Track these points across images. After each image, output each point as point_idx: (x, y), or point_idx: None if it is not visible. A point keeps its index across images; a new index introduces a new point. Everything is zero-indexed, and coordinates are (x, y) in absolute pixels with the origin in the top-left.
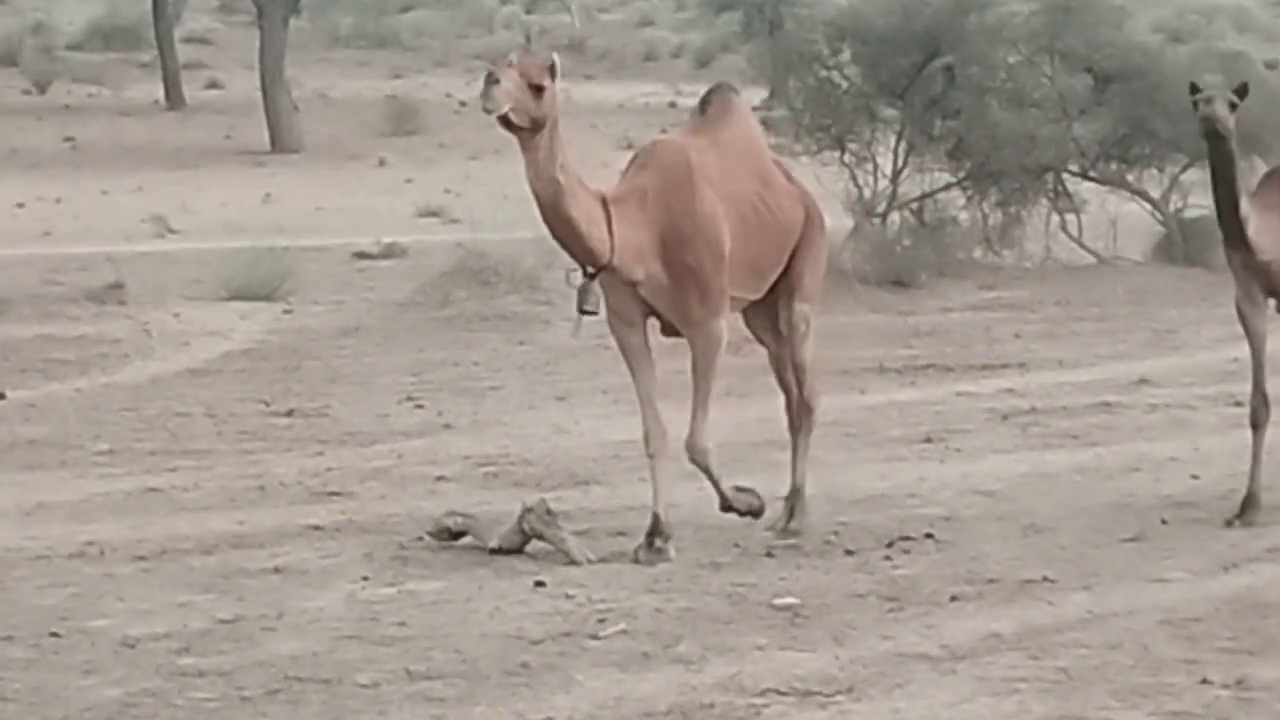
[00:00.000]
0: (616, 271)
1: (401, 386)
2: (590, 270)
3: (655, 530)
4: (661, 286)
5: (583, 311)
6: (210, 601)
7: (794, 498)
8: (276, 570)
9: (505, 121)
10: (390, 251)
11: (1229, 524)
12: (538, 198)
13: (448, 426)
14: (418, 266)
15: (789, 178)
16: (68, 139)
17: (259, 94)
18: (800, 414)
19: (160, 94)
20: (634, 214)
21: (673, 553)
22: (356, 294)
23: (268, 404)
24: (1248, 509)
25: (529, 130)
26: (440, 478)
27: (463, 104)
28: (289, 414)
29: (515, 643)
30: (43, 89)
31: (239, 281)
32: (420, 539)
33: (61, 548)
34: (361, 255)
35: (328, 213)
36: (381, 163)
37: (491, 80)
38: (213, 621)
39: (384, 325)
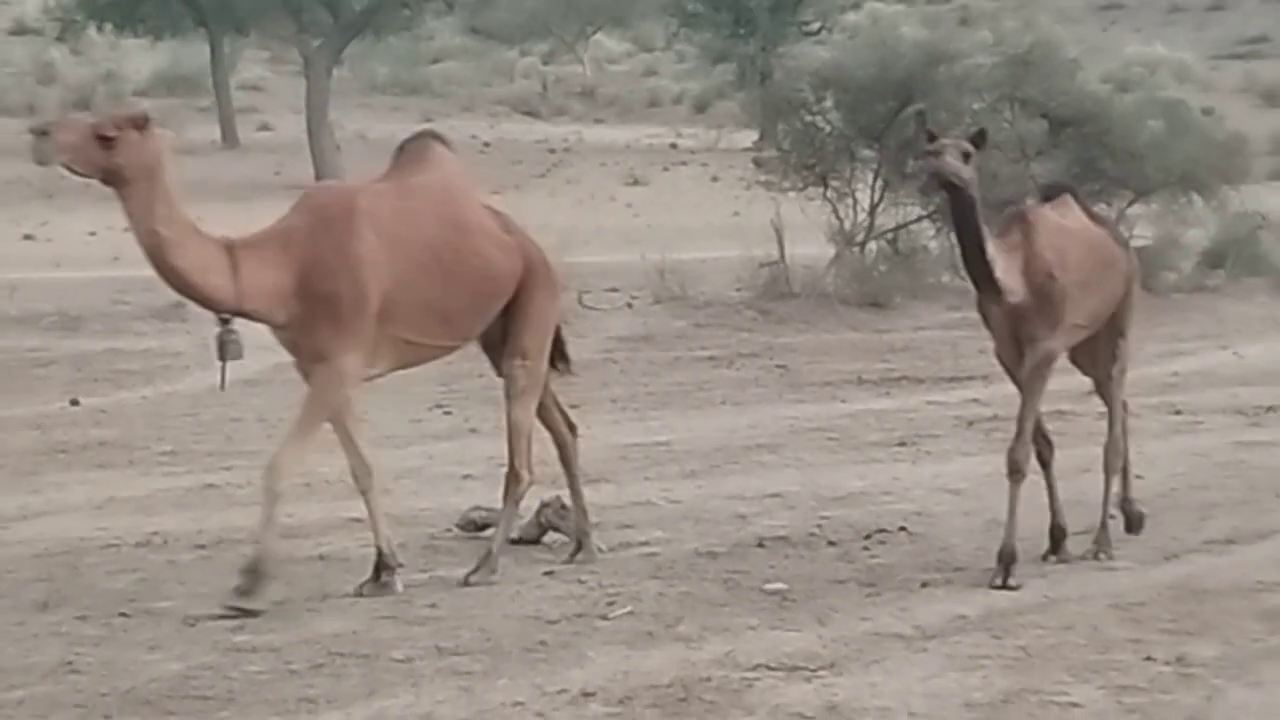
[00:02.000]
0: (252, 316)
1: (432, 396)
2: (224, 318)
3: (380, 565)
4: (303, 325)
5: (222, 358)
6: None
7: (484, 561)
8: (321, 558)
9: (73, 171)
10: None
11: (994, 586)
12: (142, 248)
13: (473, 431)
14: None
15: (506, 229)
16: None
17: (305, 135)
18: (506, 481)
19: (217, 135)
20: (272, 257)
21: (399, 586)
22: None
23: None
24: (1002, 561)
25: (118, 182)
26: (466, 476)
27: (486, 145)
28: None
29: (534, 623)
30: None
31: None
32: (449, 531)
33: (129, 537)
34: None
35: None
36: None
37: (38, 133)
38: (264, 603)
39: None
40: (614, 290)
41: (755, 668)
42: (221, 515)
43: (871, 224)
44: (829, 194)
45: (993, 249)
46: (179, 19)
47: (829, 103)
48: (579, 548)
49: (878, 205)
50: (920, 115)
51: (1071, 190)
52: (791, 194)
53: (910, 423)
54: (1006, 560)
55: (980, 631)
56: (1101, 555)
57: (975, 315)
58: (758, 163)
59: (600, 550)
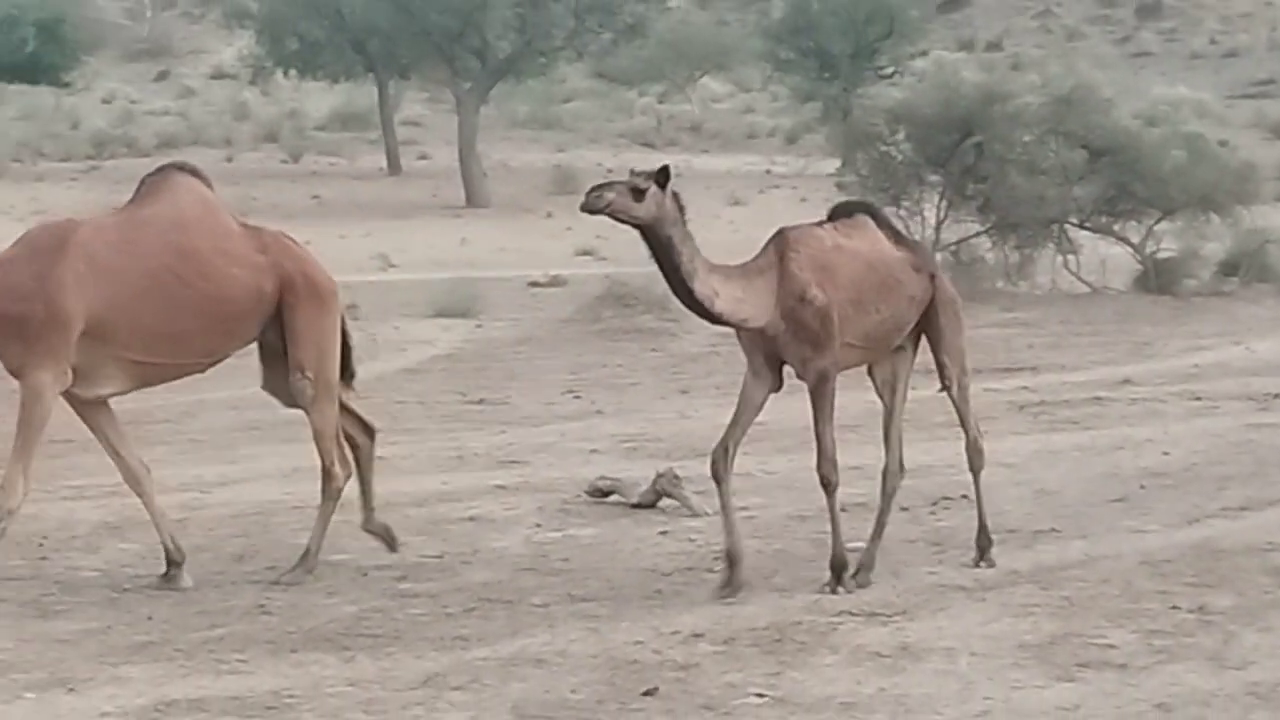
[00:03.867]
0: None
1: (563, 382)
2: None
3: (169, 560)
4: (2, 343)
5: None
6: (422, 542)
7: (301, 560)
8: (471, 519)
9: None
10: (555, 281)
11: (829, 590)
12: None
13: (599, 412)
14: (575, 293)
15: (262, 250)
16: (314, 197)
17: (457, 163)
18: (322, 480)
19: (384, 163)
20: None
21: (187, 580)
22: (529, 313)
23: (463, 395)
24: (833, 570)
25: None
26: (593, 450)
27: (609, 171)
28: (479, 402)
29: (651, 574)
30: (296, 159)
31: (442, 303)
32: (579, 496)
33: (311, 501)
34: (534, 284)
35: (508, 252)
36: (549, 215)
37: None
38: (423, 557)
39: (550, 336)
40: None
41: (839, 614)
42: (388, 482)
43: (937, 238)
44: (900, 212)
45: (705, 285)
46: (352, 65)
47: (900, 135)
48: (386, 539)
49: (942, 222)
50: (978, 146)
51: (870, 210)
52: None
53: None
54: (837, 569)
55: (1030, 584)
56: (983, 563)
57: (1024, 316)
58: (840, 186)
59: (706, 514)
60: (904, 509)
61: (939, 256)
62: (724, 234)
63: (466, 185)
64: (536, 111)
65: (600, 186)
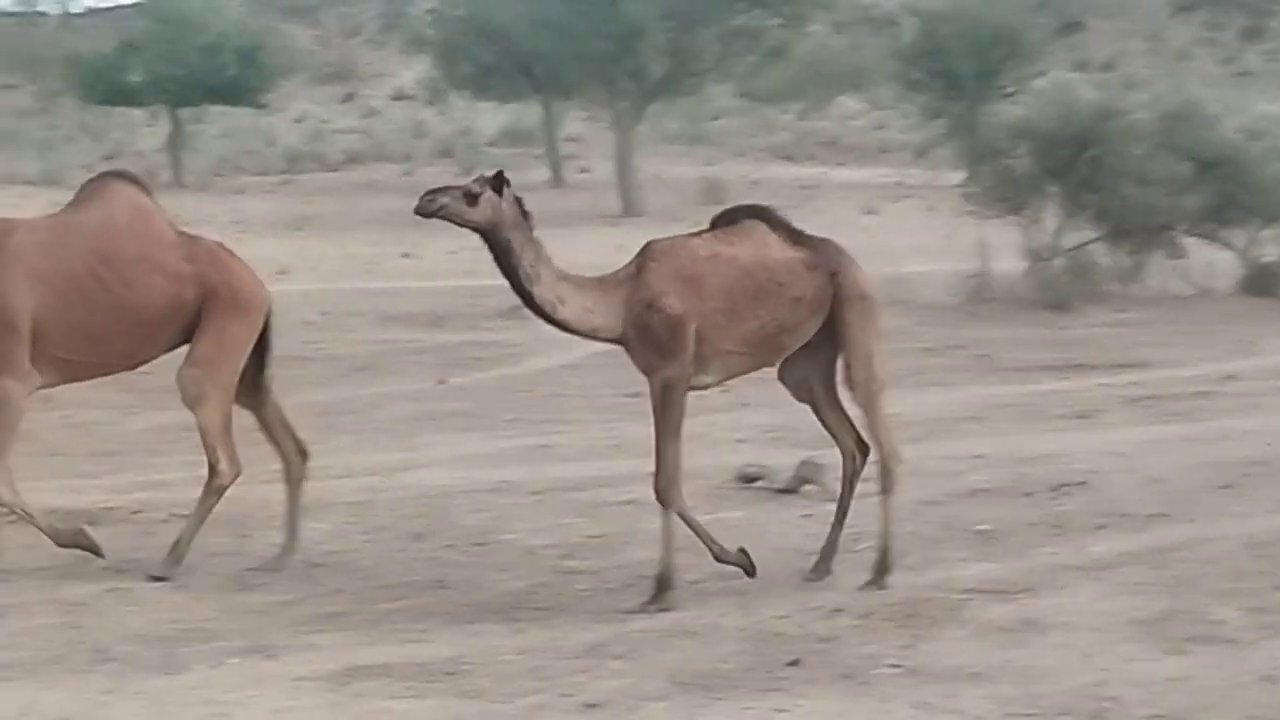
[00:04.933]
0: None
1: None
2: None
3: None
4: None
5: None
6: (584, 523)
7: (173, 550)
8: (629, 502)
9: None
10: None
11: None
12: None
13: (744, 405)
14: None
15: (190, 259)
16: None
17: (615, 176)
18: (208, 477)
19: (549, 176)
20: None
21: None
22: None
23: (620, 388)
24: (659, 586)
25: None
26: (740, 440)
27: (754, 182)
28: (635, 395)
29: (794, 554)
30: (468, 172)
31: None
32: (727, 482)
33: (483, 484)
34: None
35: None
36: (697, 223)
37: None
38: (585, 537)
39: None
40: None
41: (967, 591)
42: (552, 468)
43: (1056, 244)
44: (1022, 221)
45: (550, 288)
46: (520, 87)
47: (1021, 149)
48: (282, 552)
49: (1060, 229)
50: (1094, 159)
51: (759, 213)
52: (992, 221)
53: (1086, 399)
54: (662, 586)
55: (1142, 564)
56: (874, 586)
57: (1136, 316)
58: (966, 197)
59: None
60: (1026, 494)
61: (1056, 260)
62: (859, 240)
63: (623, 196)
64: (687, 128)
65: (434, 191)
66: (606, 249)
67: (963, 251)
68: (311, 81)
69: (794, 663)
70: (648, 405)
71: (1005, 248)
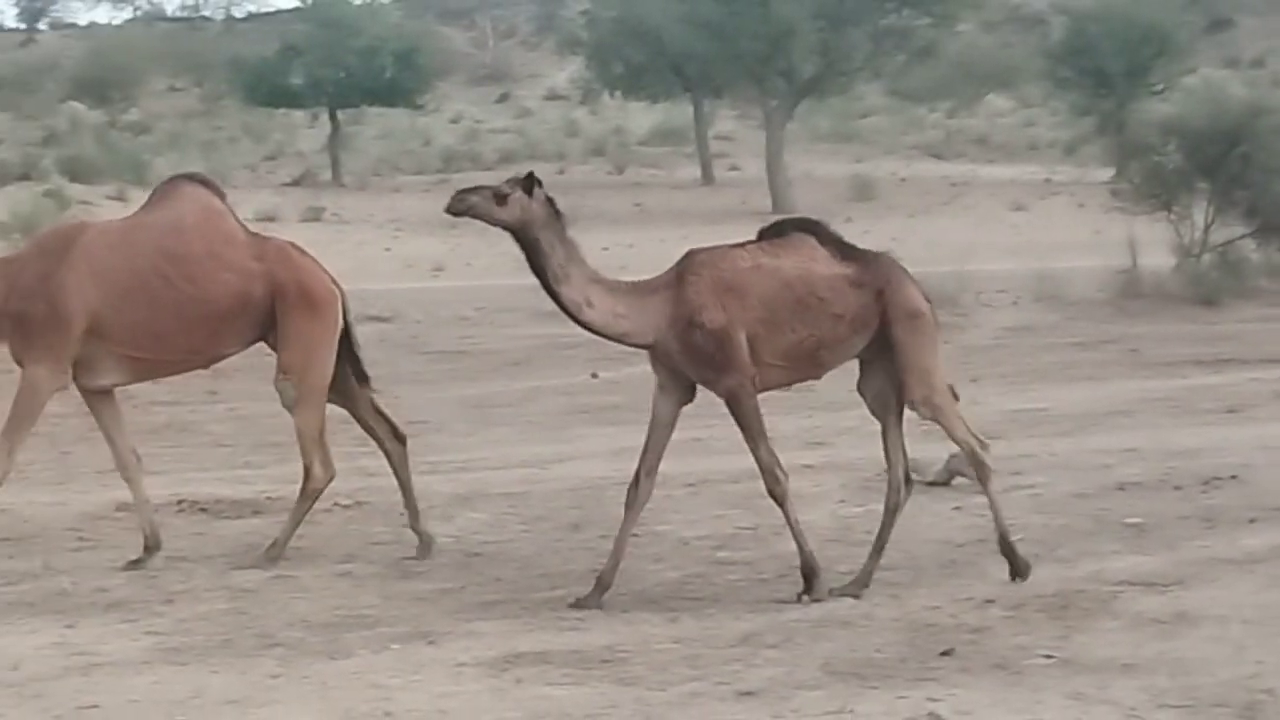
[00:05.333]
0: None
1: None
2: None
3: (145, 546)
4: (8, 337)
5: None
6: (737, 515)
7: (272, 547)
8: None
9: None
10: None
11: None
12: None
13: None
14: None
15: (259, 258)
16: (637, 205)
17: (765, 174)
18: (303, 478)
19: (698, 174)
20: None
21: (156, 563)
22: None
23: None
24: (808, 580)
25: None
26: None
27: (903, 180)
28: (786, 389)
29: (945, 546)
30: (620, 171)
31: None
32: (879, 475)
33: None
34: None
35: None
36: (848, 220)
37: None
38: (738, 528)
39: None
40: (1002, 291)
41: (1119, 583)
42: (705, 461)
43: (1205, 240)
44: (1171, 217)
45: (579, 290)
46: (671, 86)
47: (1171, 146)
48: (421, 544)
49: (1210, 225)
50: (1244, 156)
51: (809, 226)
52: (1141, 217)
53: (1235, 394)
54: (810, 575)
55: None
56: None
57: None
58: (1115, 193)
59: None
60: (1176, 488)
61: (1206, 256)
62: (1008, 236)
63: (773, 193)
64: (837, 126)
65: (465, 191)
66: None
67: (1112, 248)
68: (467, 83)
69: (947, 653)
70: (800, 400)
71: (1154, 244)
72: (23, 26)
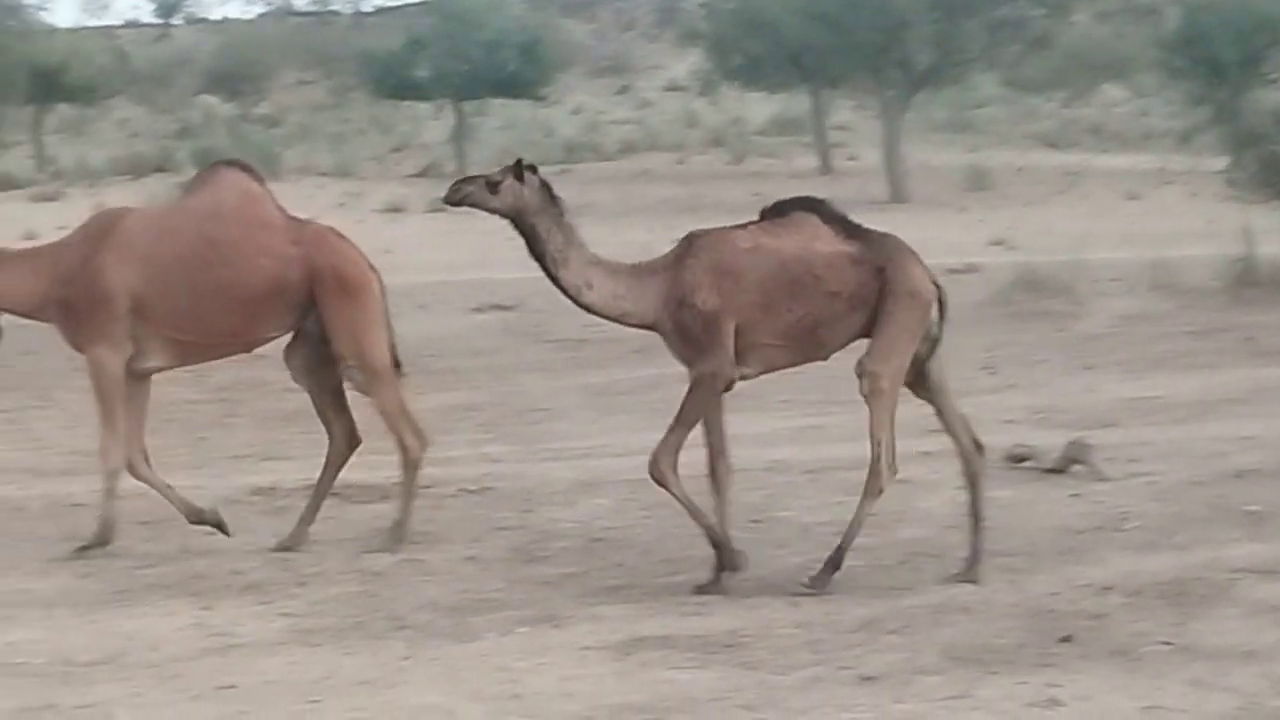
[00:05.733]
0: (12, 311)
1: (979, 359)
2: None
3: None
4: (58, 322)
5: None
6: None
7: (396, 529)
8: (901, 481)
9: None
10: (970, 268)
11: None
12: None
13: (1012, 386)
14: (988, 279)
15: (296, 242)
16: (755, 194)
17: (882, 163)
18: (401, 457)
19: (816, 164)
20: (28, 265)
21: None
22: (949, 297)
23: None
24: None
25: None
26: (1008, 421)
27: (1019, 169)
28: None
29: (1064, 533)
30: (739, 161)
31: None
32: (996, 462)
33: (757, 463)
34: (951, 271)
35: (927, 242)
36: (962, 209)
37: None
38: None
39: (966, 318)
40: (1117, 280)
41: (1237, 570)
42: (826, 448)
43: None
44: None
45: (578, 273)
46: (789, 77)
47: None
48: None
49: None
50: None
51: (811, 205)
52: (1257, 206)
53: None
54: (724, 561)
55: None
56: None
57: None
58: (1230, 182)
59: (1115, 479)
60: None
61: None
62: (1123, 225)
63: (890, 182)
64: (952, 116)
65: (461, 181)
66: None
67: (1226, 236)
68: (588, 75)
69: (1066, 639)
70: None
71: (1270, 232)
72: (158, 22)
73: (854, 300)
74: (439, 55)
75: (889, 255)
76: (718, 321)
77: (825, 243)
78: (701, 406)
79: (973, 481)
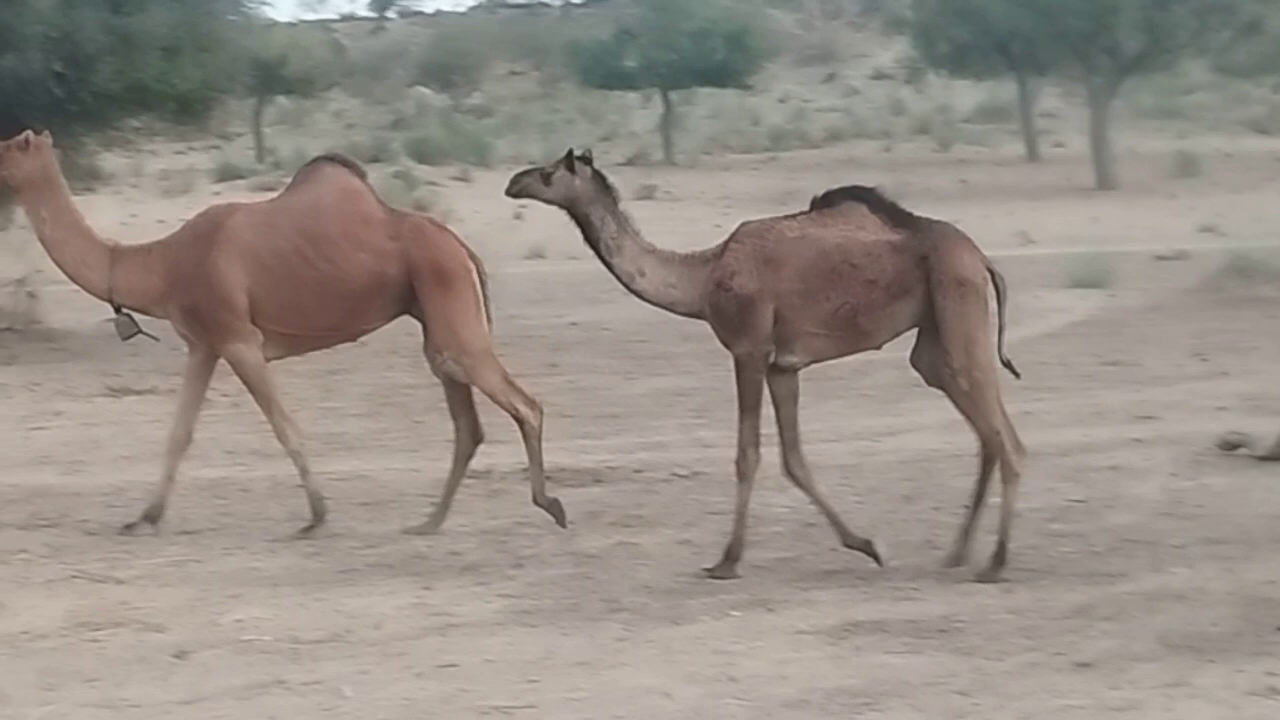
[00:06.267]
0: (131, 307)
1: (1189, 346)
2: (115, 304)
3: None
4: (182, 323)
5: (123, 338)
6: (1068, 488)
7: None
8: (1111, 468)
9: None
10: (1180, 255)
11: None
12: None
13: (1223, 373)
14: (1198, 266)
15: (395, 236)
16: (961, 181)
17: (1089, 150)
18: (519, 427)
19: (1023, 151)
20: (144, 261)
21: (145, 529)
22: (1157, 283)
23: (1099, 356)
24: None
25: (18, 194)
26: (1220, 408)
27: (1227, 155)
28: (1114, 364)
29: (1278, 520)
30: (945, 148)
31: (1077, 275)
32: (1209, 449)
33: (968, 449)
34: (1160, 258)
35: (1136, 229)
36: (1172, 196)
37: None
38: (1069, 501)
39: (1176, 305)
40: None
41: None
42: (1035, 434)
43: None
44: None
45: (631, 261)
46: (995, 65)
47: None
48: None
49: None
50: None
51: (860, 195)
52: None
53: None
54: (732, 555)
55: None
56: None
57: None
58: None
59: None
60: None
61: None
62: None
63: (1098, 170)
64: (1161, 103)
65: (521, 173)
66: (1081, 221)
67: None
68: (794, 63)
69: None
70: (1127, 374)
71: None
72: (373, 15)
73: (893, 289)
74: (647, 45)
75: (934, 243)
76: (753, 305)
77: (869, 231)
78: (752, 388)
79: (988, 471)
